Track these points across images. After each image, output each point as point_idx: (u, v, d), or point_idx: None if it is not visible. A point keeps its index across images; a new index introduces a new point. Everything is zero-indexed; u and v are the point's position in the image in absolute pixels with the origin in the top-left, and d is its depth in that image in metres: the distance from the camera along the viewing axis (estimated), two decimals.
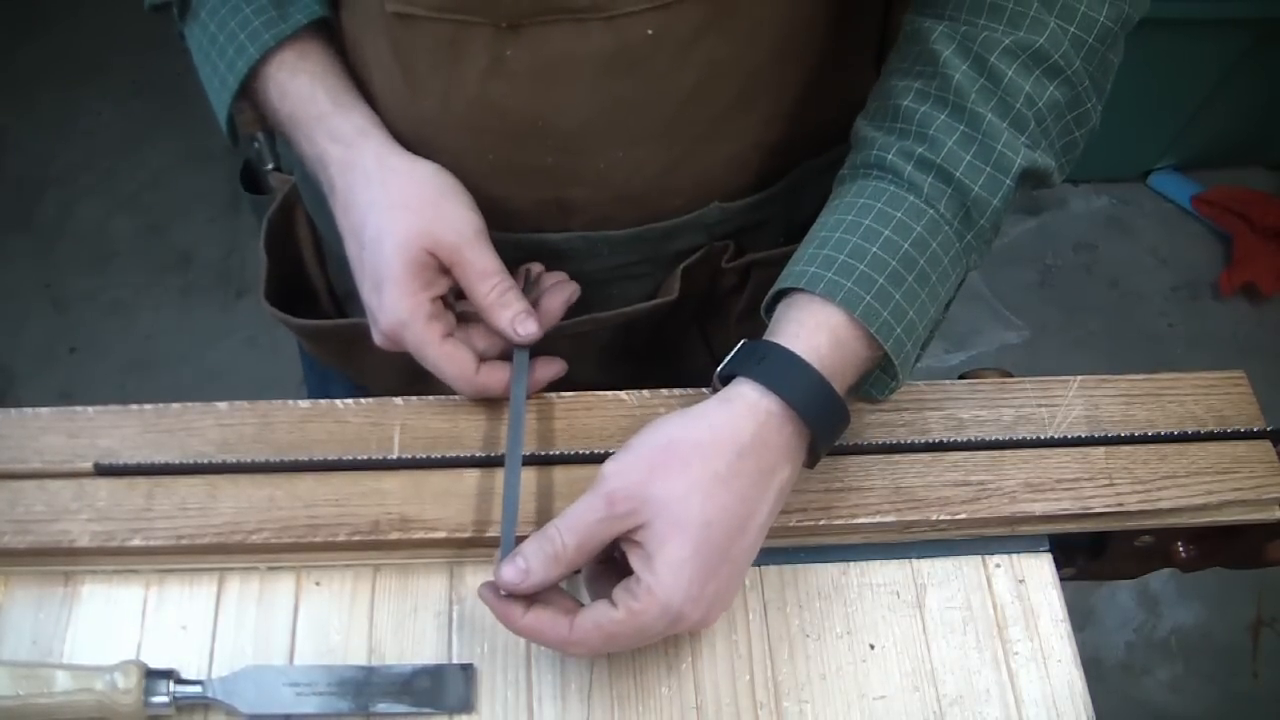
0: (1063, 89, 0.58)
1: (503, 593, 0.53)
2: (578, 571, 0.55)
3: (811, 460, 0.57)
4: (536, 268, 0.67)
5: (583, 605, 0.53)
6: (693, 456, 0.53)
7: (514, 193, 0.67)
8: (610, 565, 0.55)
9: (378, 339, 0.63)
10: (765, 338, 0.56)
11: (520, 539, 0.54)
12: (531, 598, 0.53)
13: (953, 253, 0.58)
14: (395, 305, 0.60)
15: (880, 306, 0.55)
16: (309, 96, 0.65)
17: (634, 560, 0.52)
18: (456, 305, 0.65)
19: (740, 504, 0.53)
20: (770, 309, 0.59)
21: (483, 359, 0.63)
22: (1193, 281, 2.04)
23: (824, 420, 0.55)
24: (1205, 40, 1.78)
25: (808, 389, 0.54)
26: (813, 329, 0.55)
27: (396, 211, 0.61)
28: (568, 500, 0.61)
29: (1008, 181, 0.57)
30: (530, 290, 0.66)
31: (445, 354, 0.61)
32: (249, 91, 0.66)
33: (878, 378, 0.62)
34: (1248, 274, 2.00)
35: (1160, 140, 2.03)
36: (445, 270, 0.62)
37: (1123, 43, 0.59)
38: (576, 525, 0.53)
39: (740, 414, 0.54)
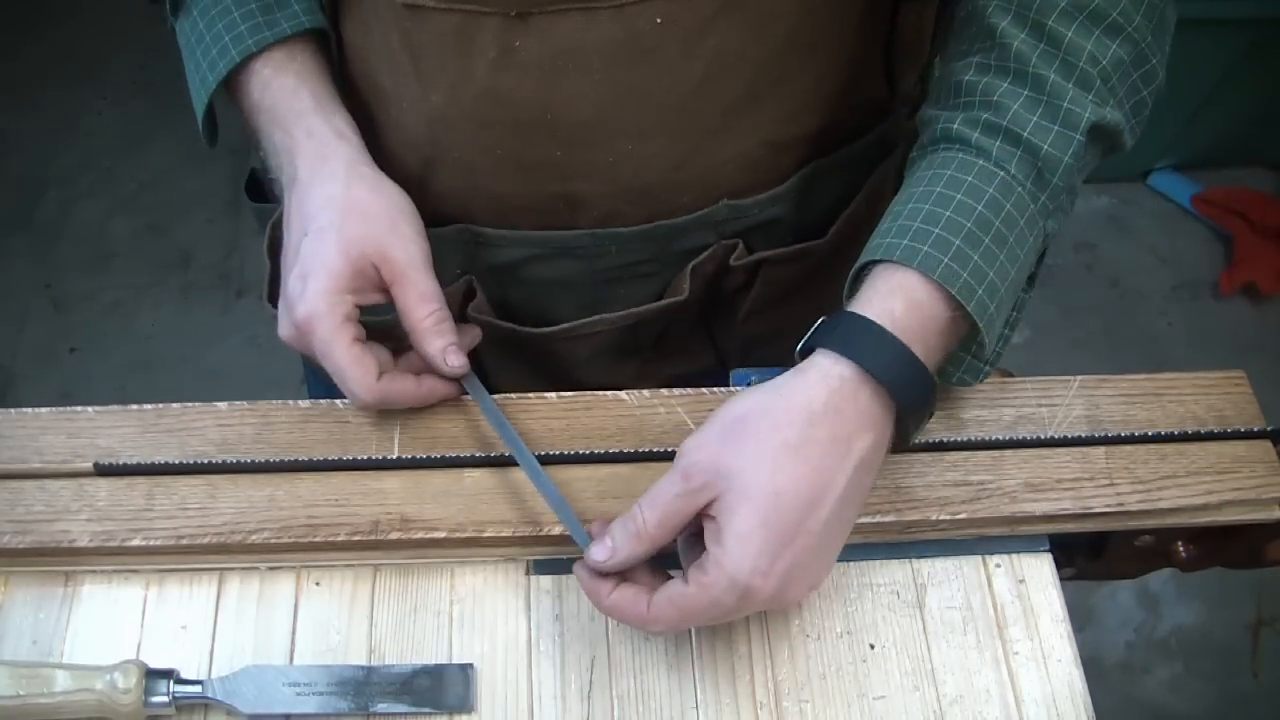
0: (1125, 46, 0.57)
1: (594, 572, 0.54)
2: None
3: (901, 436, 0.56)
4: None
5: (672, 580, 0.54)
6: (763, 426, 0.52)
7: (522, 188, 0.67)
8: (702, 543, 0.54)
9: (285, 330, 0.62)
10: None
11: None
12: (621, 576, 0.54)
13: (1028, 215, 0.57)
14: (317, 297, 0.59)
15: (959, 268, 0.54)
16: (292, 92, 0.65)
17: (707, 535, 0.52)
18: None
19: (814, 474, 0.51)
20: (852, 291, 0.58)
21: (382, 371, 0.62)
22: (1193, 281, 2.04)
23: (904, 385, 0.53)
24: (1205, 40, 1.78)
25: (882, 351, 0.53)
26: (885, 294, 0.54)
27: (353, 215, 0.61)
28: (571, 499, 0.61)
29: (1078, 137, 0.56)
30: None
31: (353, 355, 0.60)
32: (232, 86, 0.67)
33: (970, 364, 0.60)
34: (1248, 274, 2.00)
35: (1160, 140, 2.03)
36: (378, 288, 0.61)
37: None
38: (656, 501, 0.53)
39: (813, 381, 0.53)
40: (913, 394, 0.54)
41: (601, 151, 0.65)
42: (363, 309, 0.62)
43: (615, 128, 0.64)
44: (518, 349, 0.75)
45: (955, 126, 0.58)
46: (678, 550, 0.56)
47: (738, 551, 0.51)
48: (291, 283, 0.61)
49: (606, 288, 0.73)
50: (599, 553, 0.53)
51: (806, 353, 0.55)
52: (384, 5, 0.62)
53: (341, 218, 0.61)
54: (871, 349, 0.53)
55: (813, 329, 0.56)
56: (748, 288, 0.75)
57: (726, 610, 0.52)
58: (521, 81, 0.61)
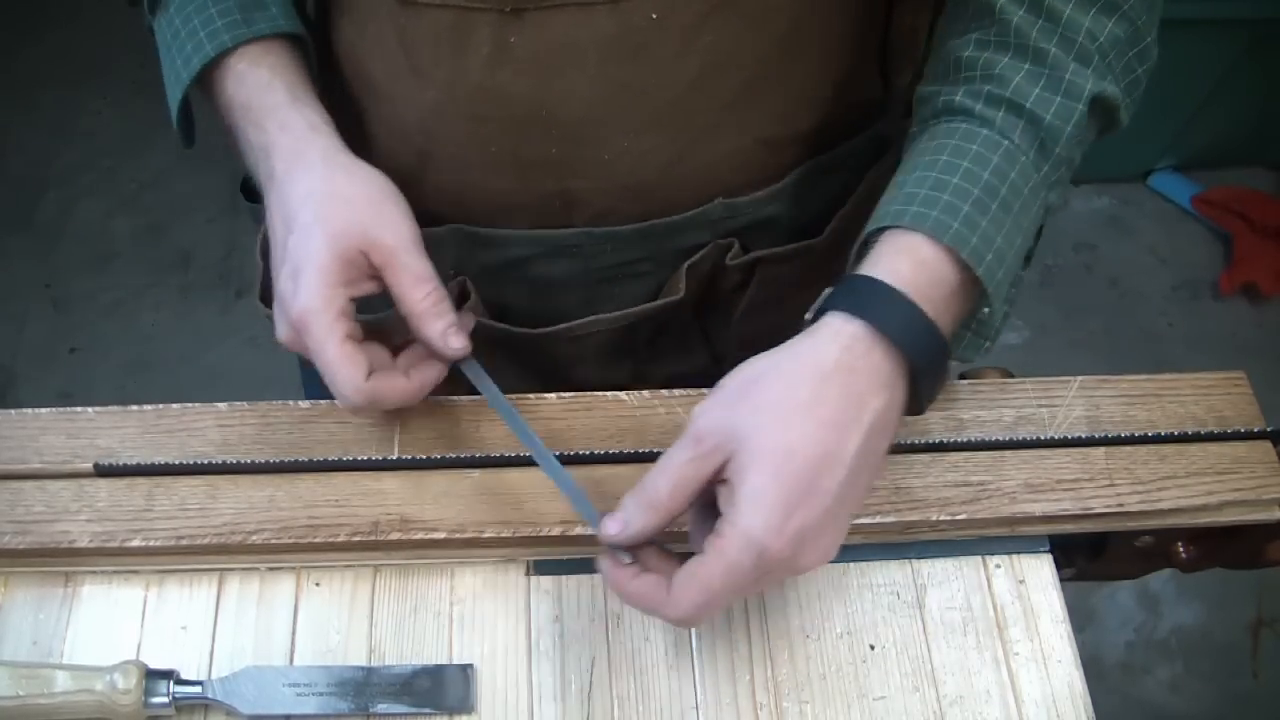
0: (1121, 24, 0.58)
1: (610, 551, 0.53)
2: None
3: (915, 397, 0.54)
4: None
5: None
6: (775, 385, 0.51)
7: (518, 186, 0.67)
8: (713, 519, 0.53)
9: (281, 331, 0.60)
10: None
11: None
12: (641, 565, 0.52)
13: (1032, 184, 0.57)
14: (311, 293, 0.58)
15: (968, 233, 0.54)
16: (266, 86, 0.64)
17: (721, 499, 0.51)
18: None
19: (826, 431, 0.50)
20: (859, 260, 0.57)
21: (371, 370, 0.60)
22: (1193, 281, 2.04)
23: (916, 343, 0.52)
24: (1205, 40, 1.78)
25: (892, 309, 0.52)
26: (892, 255, 0.54)
27: (336, 204, 0.59)
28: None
29: (1080, 107, 0.57)
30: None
31: (345, 354, 0.58)
32: (207, 83, 0.66)
33: (970, 340, 0.59)
34: (1248, 274, 2.00)
35: (1160, 140, 2.03)
36: (371, 275, 0.60)
37: None
38: (667, 468, 0.51)
39: (824, 340, 0.52)
40: (925, 353, 0.53)
41: (597, 148, 0.65)
42: (358, 302, 0.60)
43: (610, 124, 0.64)
44: (512, 350, 0.75)
45: (958, 99, 0.58)
46: (689, 529, 0.55)
47: (751, 508, 0.49)
48: (283, 282, 0.60)
49: (602, 287, 0.73)
50: (612, 526, 0.52)
51: (818, 317, 0.54)
52: (379, 2, 0.62)
53: (324, 210, 0.59)
54: (881, 307, 0.52)
55: (823, 296, 0.55)
56: (744, 287, 0.75)
57: (745, 574, 0.50)
58: (516, 78, 0.61)
